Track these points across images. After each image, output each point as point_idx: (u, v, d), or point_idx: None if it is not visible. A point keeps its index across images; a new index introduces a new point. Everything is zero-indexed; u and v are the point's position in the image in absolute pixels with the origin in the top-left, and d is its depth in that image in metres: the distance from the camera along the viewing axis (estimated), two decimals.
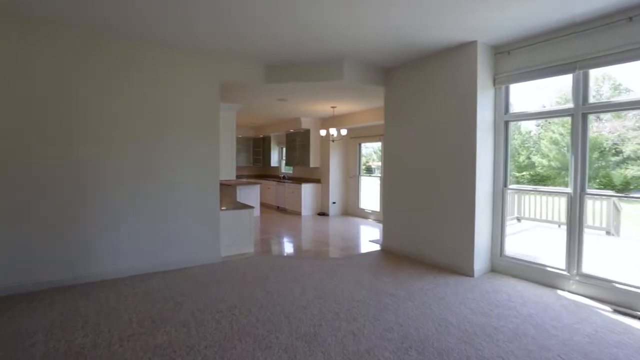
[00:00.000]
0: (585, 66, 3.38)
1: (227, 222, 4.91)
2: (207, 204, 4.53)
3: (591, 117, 3.53)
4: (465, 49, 4.09)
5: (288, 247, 5.63)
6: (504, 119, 4.18)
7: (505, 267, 4.14)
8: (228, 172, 4.92)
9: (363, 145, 8.87)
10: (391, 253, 5.11)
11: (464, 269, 4.12)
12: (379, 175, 8.30)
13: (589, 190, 3.58)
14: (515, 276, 4.01)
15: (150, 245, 4.13)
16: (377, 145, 8.80)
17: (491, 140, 4.21)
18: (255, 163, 11.82)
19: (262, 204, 10.59)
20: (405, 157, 4.93)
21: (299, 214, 8.99)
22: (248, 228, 5.15)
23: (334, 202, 8.91)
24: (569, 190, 3.60)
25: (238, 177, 11.60)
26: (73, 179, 3.66)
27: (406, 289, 3.62)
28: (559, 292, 3.55)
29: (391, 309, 3.14)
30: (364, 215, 8.57)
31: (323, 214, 8.98)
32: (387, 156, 5.29)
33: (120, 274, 3.92)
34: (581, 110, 3.50)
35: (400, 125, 5.03)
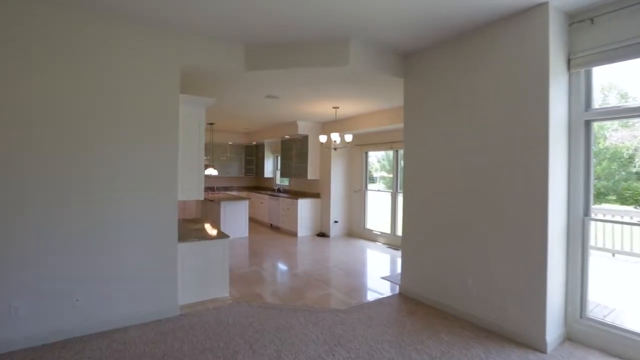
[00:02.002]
0: None
1: (191, 258, 3.61)
2: (159, 234, 3.23)
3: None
4: (529, 17, 2.82)
5: (276, 289, 4.31)
6: (584, 118, 2.88)
7: (590, 335, 2.79)
8: (194, 190, 3.63)
9: (370, 154, 7.58)
10: (415, 301, 3.77)
11: (529, 338, 2.78)
12: (383, 185, 6.99)
13: None
14: (606, 351, 2.67)
15: (67, 297, 2.81)
16: (381, 154, 7.50)
17: (565, 147, 2.91)
18: (248, 173, 10.55)
19: (254, 221, 9.30)
20: (437, 170, 3.63)
21: (294, 234, 7.66)
22: (221, 265, 3.83)
23: (335, 221, 7.59)
24: None
25: (227, 189, 10.31)
26: None
27: None
28: None
29: None
30: (371, 237, 7.24)
31: (323, 234, 7.65)
32: (409, 169, 3.99)
33: (10, 347, 2.59)
34: None
35: (428, 128, 3.74)
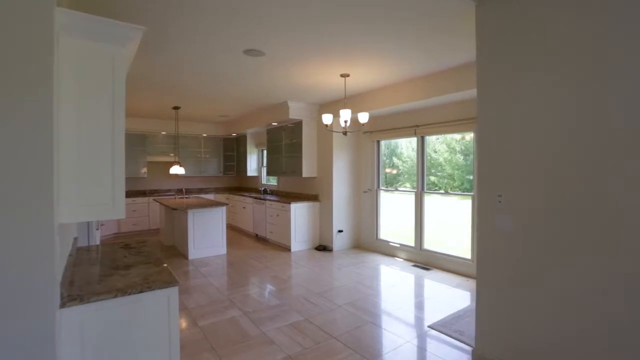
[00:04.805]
0: None
1: (102, 332, 1.88)
2: (10, 296, 1.49)
3: None
4: None
5: None
6: None
7: None
8: (104, 202, 1.91)
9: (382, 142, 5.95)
10: None
11: None
12: (386, 182, 5.37)
13: None
14: None
15: None
16: (385, 143, 5.88)
17: None
18: (227, 172, 8.77)
19: (235, 229, 7.58)
20: (565, 162, 2.01)
21: (287, 248, 5.96)
22: (165, 336, 2.11)
23: (340, 231, 5.93)
24: None
25: (203, 191, 8.43)
26: None
27: None
28: None
29: None
30: (387, 251, 5.61)
31: (324, 248, 5.97)
32: (489, 158, 2.36)
33: None
34: None
35: (540, 88, 2.10)
